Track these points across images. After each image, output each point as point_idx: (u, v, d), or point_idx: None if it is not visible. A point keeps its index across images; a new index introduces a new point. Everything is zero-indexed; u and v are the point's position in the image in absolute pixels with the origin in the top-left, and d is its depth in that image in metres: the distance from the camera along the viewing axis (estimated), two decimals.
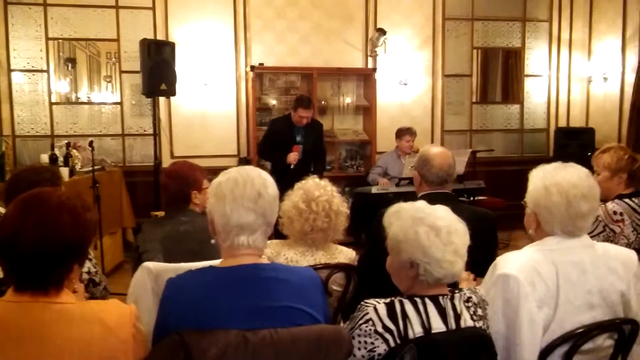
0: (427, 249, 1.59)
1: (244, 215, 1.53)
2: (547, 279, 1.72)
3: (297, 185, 2.48)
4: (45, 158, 5.03)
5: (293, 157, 5.13)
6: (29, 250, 1.35)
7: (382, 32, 6.43)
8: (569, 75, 7.39)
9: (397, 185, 5.59)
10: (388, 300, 1.60)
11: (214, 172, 1.77)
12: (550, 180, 1.78)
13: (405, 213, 1.67)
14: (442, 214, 1.65)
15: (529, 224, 1.88)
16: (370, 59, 6.75)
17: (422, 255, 1.59)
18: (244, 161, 6.30)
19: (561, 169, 1.81)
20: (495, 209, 3.17)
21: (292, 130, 5.29)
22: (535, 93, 7.37)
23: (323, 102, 6.54)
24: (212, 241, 1.71)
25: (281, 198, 2.41)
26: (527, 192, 1.86)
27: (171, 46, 5.81)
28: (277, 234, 2.52)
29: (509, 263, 1.76)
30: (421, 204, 1.70)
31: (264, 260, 1.65)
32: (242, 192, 1.54)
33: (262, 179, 1.59)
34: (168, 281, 1.60)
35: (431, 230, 1.60)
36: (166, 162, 6.04)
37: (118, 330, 1.40)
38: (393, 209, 1.71)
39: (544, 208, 1.79)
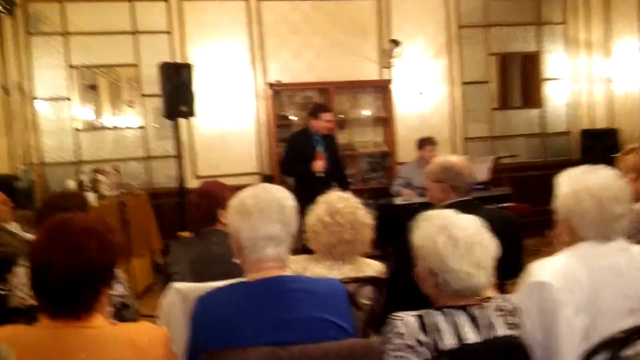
0: (445, 258, 1.58)
1: (269, 226, 1.61)
2: (583, 284, 1.68)
3: (321, 199, 2.47)
4: (72, 184, 5.11)
5: (320, 165, 5.16)
6: (60, 276, 1.36)
7: (396, 43, 6.44)
8: (589, 77, 7.30)
9: (422, 195, 5.54)
10: (418, 312, 1.58)
11: (237, 190, 1.79)
12: (580, 185, 1.74)
13: (432, 220, 1.66)
14: (466, 224, 1.63)
15: (561, 231, 1.83)
16: (386, 71, 6.76)
17: (440, 265, 1.59)
18: (267, 178, 6.33)
19: (589, 172, 1.77)
20: (522, 215, 3.12)
21: (311, 141, 5.32)
22: (556, 96, 7.29)
23: (341, 116, 6.55)
24: (236, 260, 1.74)
25: (306, 213, 2.43)
26: (555, 199, 1.82)
27: (189, 68, 5.89)
28: (304, 249, 2.52)
29: (542, 270, 1.72)
30: (450, 212, 1.69)
31: (288, 272, 1.67)
32: (265, 205, 1.63)
33: (281, 192, 1.69)
34: (197, 300, 1.63)
35: (449, 239, 1.59)
36: (190, 182, 6.10)
37: (150, 353, 1.41)
38: (424, 215, 1.71)
39: (575, 214, 1.74)
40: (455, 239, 1.59)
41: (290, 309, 1.55)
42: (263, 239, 1.60)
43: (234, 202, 1.67)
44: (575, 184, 1.76)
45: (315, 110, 5.36)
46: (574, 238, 1.78)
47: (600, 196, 1.71)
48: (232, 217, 1.66)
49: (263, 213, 1.61)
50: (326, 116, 5.27)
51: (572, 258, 1.74)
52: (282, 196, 1.67)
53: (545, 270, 1.72)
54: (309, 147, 5.29)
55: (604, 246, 1.74)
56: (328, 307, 1.60)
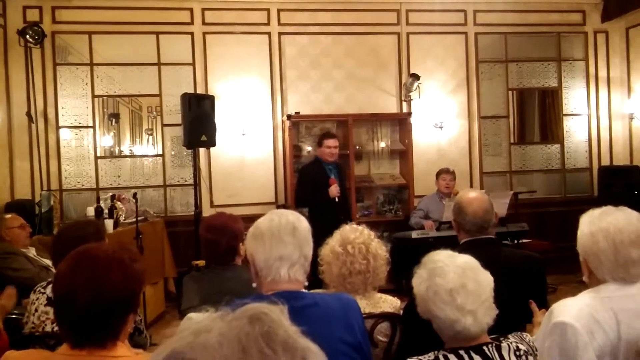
0: (430, 305, 1.57)
1: (282, 247, 1.67)
2: (607, 327, 1.63)
3: (336, 231, 2.47)
4: (91, 211, 5.15)
5: (335, 189, 5.23)
6: (84, 307, 1.36)
7: (415, 77, 6.47)
8: (609, 113, 7.25)
9: (438, 229, 5.47)
10: (432, 355, 1.56)
11: (253, 219, 1.81)
12: (597, 226, 1.71)
13: (425, 264, 1.65)
14: (453, 269, 1.58)
15: (583, 270, 1.81)
16: (404, 104, 6.79)
17: (427, 312, 1.59)
18: (282, 208, 6.33)
19: (609, 213, 1.74)
20: (541, 252, 3.06)
21: (324, 170, 5.40)
22: (576, 132, 7.24)
23: (358, 147, 6.57)
24: (254, 284, 1.76)
25: (321, 244, 2.42)
26: (577, 239, 1.79)
27: (211, 99, 5.99)
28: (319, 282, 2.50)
29: (565, 310, 1.68)
30: (444, 255, 1.66)
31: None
32: (278, 226, 1.70)
33: (294, 215, 1.77)
34: None
35: (431, 287, 1.58)
36: (206, 211, 6.12)
37: None
38: (425, 257, 1.69)
39: (592, 255, 1.72)
40: (437, 285, 1.57)
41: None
42: (276, 259, 1.67)
43: (251, 229, 1.75)
44: (593, 225, 1.73)
45: (321, 138, 5.46)
46: (594, 279, 1.75)
47: (614, 239, 1.67)
48: (248, 242, 1.74)
49: (276, 235, 1.68)
50: (328, 142, 5.38)
51: (595, 300, 1.69)
52: (295, 219, 1.74)
53: (569, 311, 1.68)
54: (322, 175, 5.32)
55: (628, 288, 1.69)
56: (342, 324, 1.66)
